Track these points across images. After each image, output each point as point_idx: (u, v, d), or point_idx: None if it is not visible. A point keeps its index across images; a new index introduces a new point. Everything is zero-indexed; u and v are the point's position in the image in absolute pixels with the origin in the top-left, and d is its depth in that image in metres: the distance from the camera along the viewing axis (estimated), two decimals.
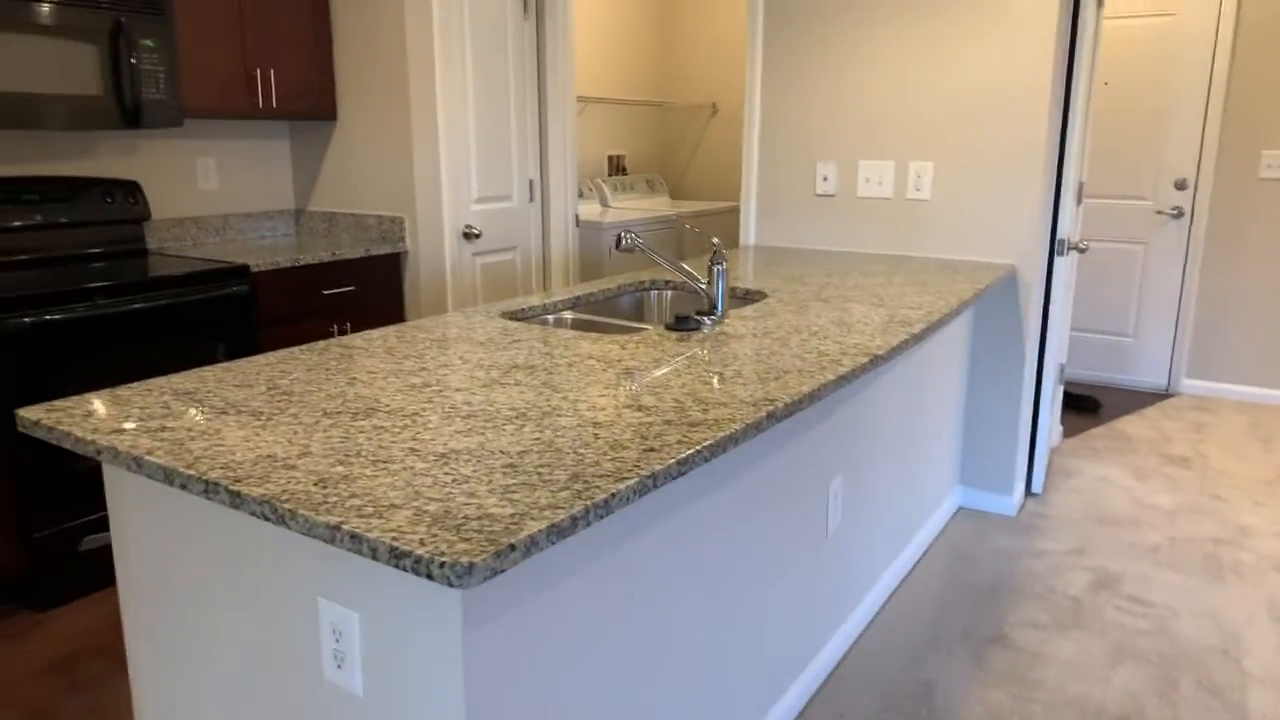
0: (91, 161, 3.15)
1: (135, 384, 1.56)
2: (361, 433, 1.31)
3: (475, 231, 3.66)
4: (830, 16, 3.19)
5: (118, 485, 1.45)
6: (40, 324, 2.47)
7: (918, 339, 2.01)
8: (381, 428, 1.34)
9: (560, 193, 4.00)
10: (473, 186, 3.66)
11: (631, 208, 5.08)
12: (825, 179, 3.29)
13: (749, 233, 3.49)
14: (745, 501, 1.80)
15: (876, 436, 2.46)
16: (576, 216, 4.10)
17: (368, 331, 1.96)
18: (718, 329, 2.01)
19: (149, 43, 2.87)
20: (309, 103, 3.48)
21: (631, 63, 5.55)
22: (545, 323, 2.31)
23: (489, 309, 2.22)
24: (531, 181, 3.94)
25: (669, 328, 2.00)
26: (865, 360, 1.74)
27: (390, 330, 1.98)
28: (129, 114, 2.86)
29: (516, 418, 1.39)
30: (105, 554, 2.68)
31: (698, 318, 2.04)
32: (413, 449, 1.25)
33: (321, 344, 1.85)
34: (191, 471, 1.17)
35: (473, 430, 1.33)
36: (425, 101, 3.41)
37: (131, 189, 3.18)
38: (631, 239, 2.10)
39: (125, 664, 2.32)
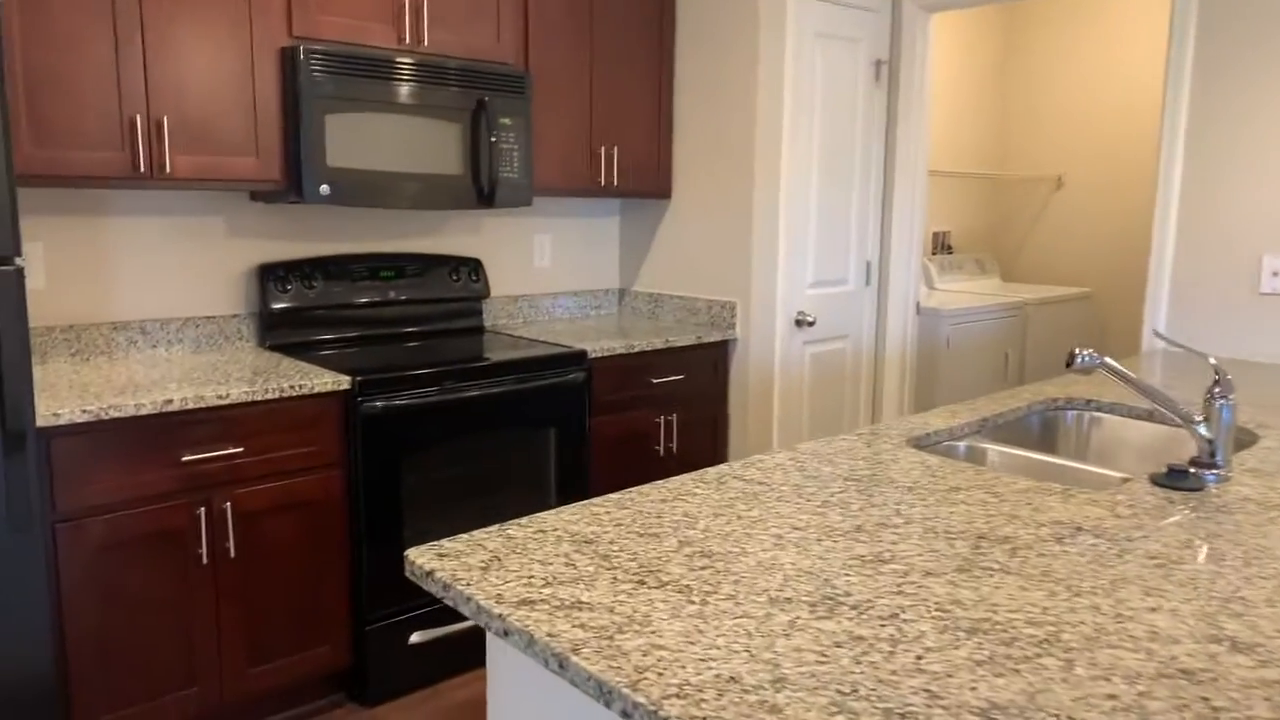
0: (439, 239, 3.17)
1: (524, 521, 1.31)
2: (839, 645, 0.95)
3: (809, 319, 3.31)
4: None
5: (503, 656, 1.19)
6: (391, 409, 2.40)
7: None
8: (860, 638, 0.97)
9: (901, 276, 3.57)
10: (809, 269, 3.33)
11: (962, 290, 4.54)
12: (1276, 274, 2.60)
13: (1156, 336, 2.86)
14: None
15: None
16: (918, 303, 3.64)
17: (760, 459, 1.63)
18: (1228, 487, 1.48)
19: (507, 121, 2.83)
20: (646, 180, 3.33)
21: (966, 133, 5.04)
22: (956, 452, 1.87)
23: (887, 431, 1.83)
24: (869, 263, 3.55)
25: (1158, 483, 1.49)
26: None
27: (785, 458, 1.63)
28: (484, 193, 2.81)
29: (1045, 641, 0.96)
30: (434, 649, 2.54)
31: (1196, 471, 1.52)
32: (930, 693, 0.86)
33: (714, 473, 1.53)
34: (641, 699, 0.85)
35: (994, 660, 0.92)
36: (769, 178, 3.14)
37: (475, 267, 3.16)
38: (1090, 358, 1.63)
39: None
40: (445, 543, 1.23)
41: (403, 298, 2.98)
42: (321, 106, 2.46)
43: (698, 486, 1.47)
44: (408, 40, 2.66)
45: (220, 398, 2.12)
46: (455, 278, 3.11)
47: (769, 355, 3.24)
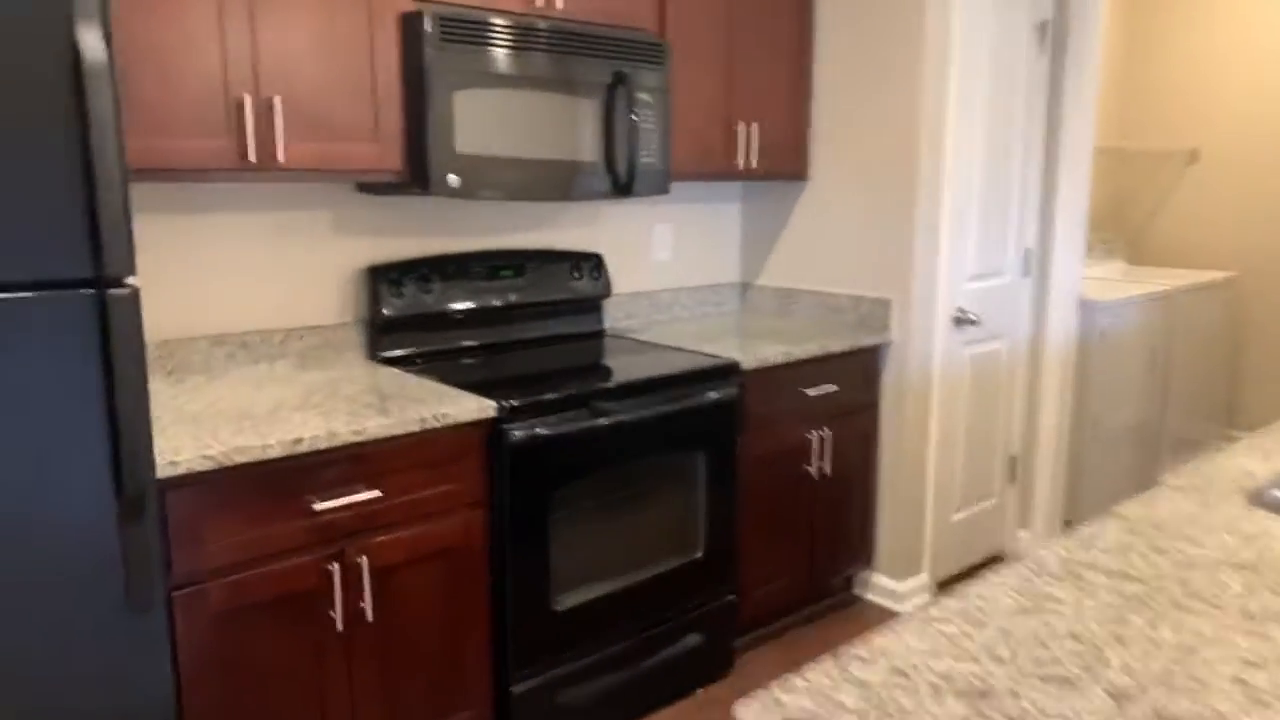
0: (555, 232, 2.81)
1: (864, 654, 0.96)
2: None
3: (971, 317, 2.93)
4: None
5: None
6: (538, 438, 2.06)
7: None
8: None
9: (1065, 266, 3.18)
10: (969, 260, 2.94)
11: (1094, 278, 4.12)
12: None
13: None
14: None
15: None
16: (1081, 295, 3.25)
17: (1092, 534, 1.26)
18: None
19: (646, 97, 2.45)
20: (784, 160, 2.94)
21: None
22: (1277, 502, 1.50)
23: (1208, 483, 1.46)
24: (1028, 251, 3.16)
25: None
26: None
27: (1122, 534, 1.27)
28: (620, 182, 2.45)
29: None
30: (585, 706, 2.22)
31: None
32: None
33: (1057, 563, 1.17)
34: None
35: None
36: (933, 156, 2.75)
37: (596, 263, 2.80)
38: None
39: None
40: (783, 696, 0.88)
41: (522, 300, 2.62)
42: (449, 82, 2.09)
43: (1053, 586, 1.11)
44: (539, 2, 2.28)
45: (356, 433, 1.78)
46: (576, 275, 2.75)
47: (927, 360, 2.86)
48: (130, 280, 1.41)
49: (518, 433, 2.03)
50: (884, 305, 2.86)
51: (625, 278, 3.01)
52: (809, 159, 3.02)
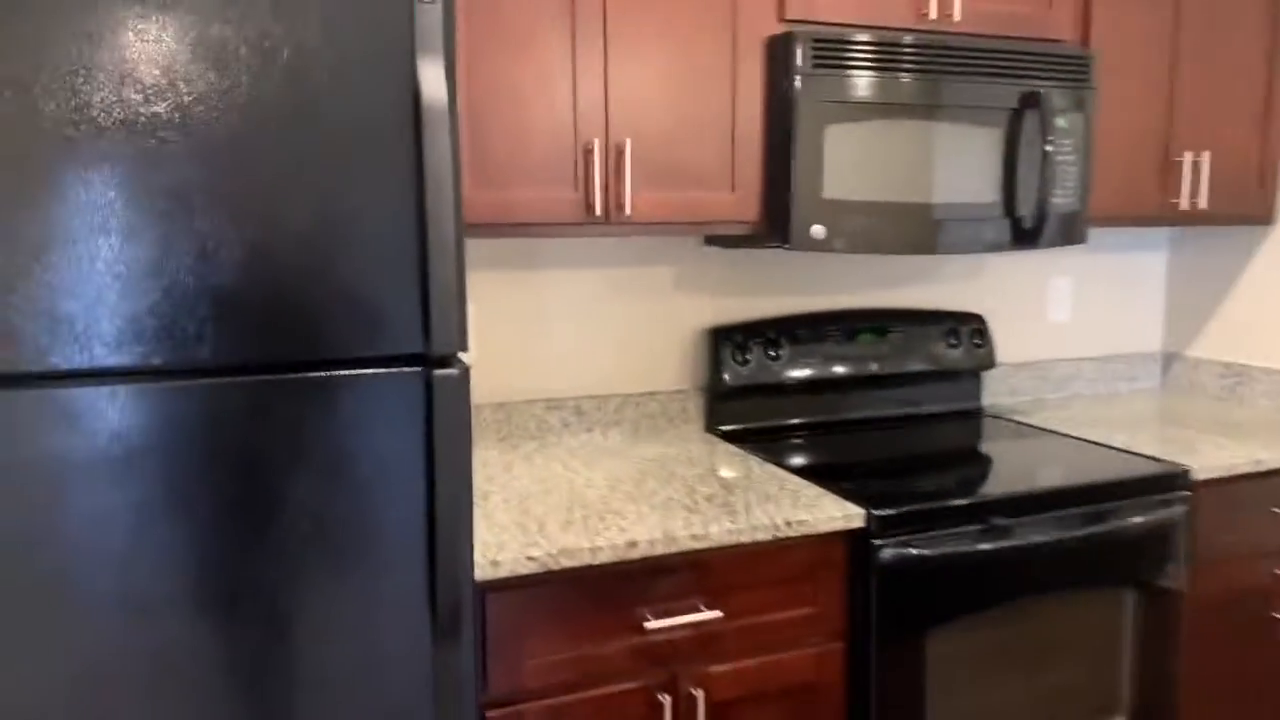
0: (927, 287, 2.36)
1: None
2: None
3: None
4: None
5: None
6: (915, 559, 1.61)
7: None
8: None
9: None
10: None
11: None
12: None
13: None
14: None
15: None
16: None
17: None
18: None
19: (1063, 123, 1.93)
20: (1244, 199, 2.25)
21: None
22: None
23: None
24: None
25: None
26: None
27: None
28: (1023, 228, 1.94)
29: None
30: None
31: None
32: None
33: None
34: None
35: None
36: None
37: (978, 326, 2.30)
38: None
39: None
40: None
41: (885, 369, 2.20)
42: (820, 115, 1.75)
43: None
44: (932, 14, 1.87)
45: (696, 538, 1.47)
46: (953, 341, 2.27)
47: None
48: (462, 357, 1.21)
49: (888, 551, 1.60)
50: None
51: (1011, 344, 2.46)
52: (1278, 200, 2.29)
